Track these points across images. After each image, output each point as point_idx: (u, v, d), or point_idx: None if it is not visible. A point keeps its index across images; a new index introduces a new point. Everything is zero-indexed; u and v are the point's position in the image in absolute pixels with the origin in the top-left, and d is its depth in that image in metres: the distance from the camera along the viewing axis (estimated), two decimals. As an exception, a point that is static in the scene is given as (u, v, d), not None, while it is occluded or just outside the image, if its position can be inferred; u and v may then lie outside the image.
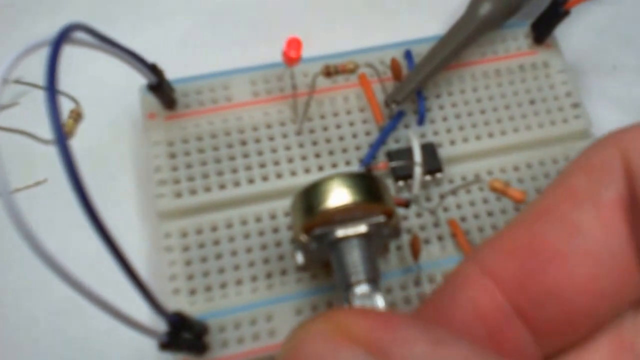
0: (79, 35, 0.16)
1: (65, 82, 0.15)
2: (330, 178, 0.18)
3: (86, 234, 0.20)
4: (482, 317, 0.15)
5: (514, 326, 0.14)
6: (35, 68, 0.15)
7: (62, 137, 0.13)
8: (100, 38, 0.18)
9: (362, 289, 0.18)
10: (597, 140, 0.15)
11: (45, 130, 0.23)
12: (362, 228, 0.18)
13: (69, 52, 0.15)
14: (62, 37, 0.15)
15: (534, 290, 0.14)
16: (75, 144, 0.24)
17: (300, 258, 0.19)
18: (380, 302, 0.17)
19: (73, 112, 0.20)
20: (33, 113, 0.23)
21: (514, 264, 0.15)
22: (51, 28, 0.16)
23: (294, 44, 0.21)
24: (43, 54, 0.15)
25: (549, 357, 0.15)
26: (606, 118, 0.27)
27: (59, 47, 0.15)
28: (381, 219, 0.18)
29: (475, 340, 0.14)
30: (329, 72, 0.22)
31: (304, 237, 0.19)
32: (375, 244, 0.19)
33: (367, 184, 0.18)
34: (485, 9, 0.25)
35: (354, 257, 0.18)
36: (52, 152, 0.22)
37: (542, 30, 0.26)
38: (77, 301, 0.21)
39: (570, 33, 0.28)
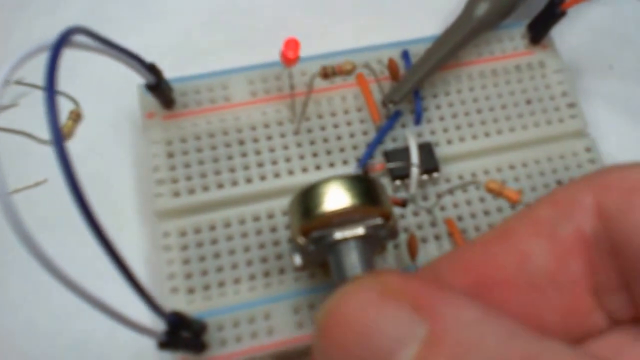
0: (79, 37, 0.16)
1: (64, 82, 0.15)
2: (327, 181, 0.18)
3: (85, 234, 0.21)
4: None
5: None
6: (35, 69, 0.15)
7: (59, 139, 0.14)
8: (99, 40, 0.18)
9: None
10: (572, 180, 0.16)
11: (44, 130, 0.23)
12: (359, 230, 0.18)
13: (68, 53, 0.15)
14: (63, 41, 0.15)
15: None
16: (75, 143, 0.24)
17: (298, 260, 0.19)
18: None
19: (72, 112, 0.20)
20: (32, 114, 0.23)
21: (465, 281, 0.15)
22: (50, 28, 0.16)
23: (292, 44, 0.21)
24: (43, 55, 0.15)
25: None
26: (602, 118, 0.27)
27: (59, 50, 0.15)
28: (378, 221, 0.19)
29: None
30: (326, 74, 0.22)
31: (301, 240, 0.19)
32: (373, 245, 0.19)
33: (364, 187, 0.18)
34: (481, 9, 0.25)
35: (352, 259, 0.18)
36: (51, 153, 0.22)
37: (539, 30, 0.26)
38: (76, 303, 0.21)
39: (567, 33, 0.28)
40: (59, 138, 0.13)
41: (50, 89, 0.14)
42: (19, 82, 0.22)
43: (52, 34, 0.15)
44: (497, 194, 0.20)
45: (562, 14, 0.24)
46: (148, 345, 0.22)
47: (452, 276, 0.15)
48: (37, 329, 0.23)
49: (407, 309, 0.12)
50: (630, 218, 0.13)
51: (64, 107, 0.23)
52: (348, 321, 0.13)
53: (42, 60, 0.15)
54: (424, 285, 0.13)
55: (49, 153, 0.22)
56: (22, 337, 0.22)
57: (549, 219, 0.15)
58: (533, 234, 0.15)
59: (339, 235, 0.18)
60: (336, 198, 0.18)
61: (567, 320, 0.14)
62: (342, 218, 0.18)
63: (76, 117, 0.20)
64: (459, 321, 0.12)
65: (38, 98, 0.24)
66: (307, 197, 0.18)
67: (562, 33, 0.28)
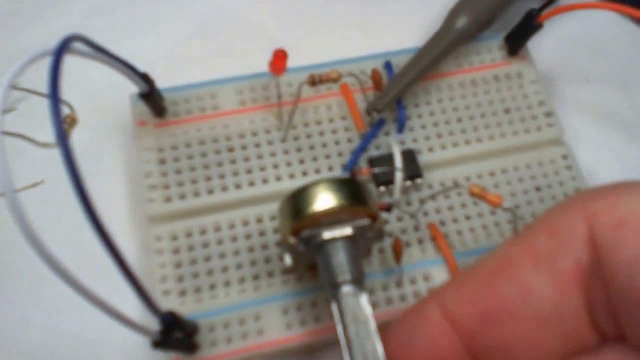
0: (77, 45, 0.17)
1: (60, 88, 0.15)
2: (317, 183, 0.19)
3: (78, 236, 0.21)
4: (440, 356, 0.16)
5: None
6: (31, 75, 0.16)
7: (64, 140, 0.14)
8: (96, 48, 0.18)
9: (347, 288, 0.18)
10: (564, 201, 0.16)
11: (41, 134, 0.23)
12: (347, 230, 0.19)
13: (64, 61, 0.16)
14: (63, 48, 0.16)
15: (487, 341, 0.15)
16: (68, 149, 0.24)
17: (288, 260, 0.20)
18: (365, 301, 0.18)
19: (68, 117, 0.21)
20: (29, 118, 0.23)
21: (471, 313, 0.15)
22: (46, 37, 0.16)
23: (280, 55, 0.22)
24: (40, 62, 0.15)
25: None
26: (578, 126, 0.28)
27: (60, 56, 0.15)
28: (366, 222, 0.19)
29: None
30: (314, 81, 0.23)
31: (292, 239, 0.19)
32: (360, 246, 0.20)
33: (352, 189, 0.19)
34: (461, 22, 0.26)
35: (340, 258, 0.19)
36: (48, 155, 0.23)
37: (516, 42, 0.27)
38: (69, 300, 0.21)
39: (543, 45, 0.29)
40: (64, 139, 0.14)
41: (54, 93, 0.14)
42: (15, 87, 0.23)
43: (47, 43, 0.15)
44: (479, 197, 0.21)
45: (539, 26, 0.25)
46: (138, 344, 0.22)
47: (458, 307, 0.16)
48: (31, 324, 0.23)
49: None
50: (617, 254, 0.14)
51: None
52: None
53: (37, 67, 0.15)
54: None
55: (45, 155, 0.23)
56: (17, 332, 0.23)
57: (547, 250, 0.15)
58: (533, 267, 0.15)
59: (327, 235, 0.19)
60: (325, 198, 0.18)
61: (567, 344, 0.15)
62: (331, 218, 0.19)
63: (71, 121, 0.21)
64: None
65: (34, 103, 0.24)
66: (298, 198, 0.19)
67: (539, 44, 0.29)
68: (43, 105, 0.24)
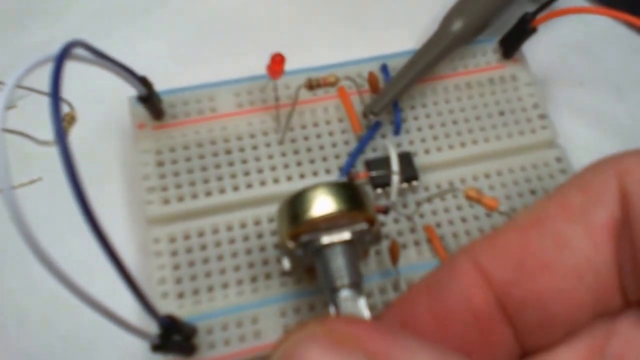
0: (78, 50, 0.17)
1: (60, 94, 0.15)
2: (315, 187, 0.19)
3: (75, 236, 0.21)
4: (472, 309, 0.15)
5: (499, 322, 0.15)
6: (31, 73, 0.16)
7: (62, 138, 0.14)
8: (96, 54, 0.18)
9: (346, 292, 0.18)
10: (596, 161, 0.16)
11: (40, 131, 0.23)
12: (345, 235, 0.19)
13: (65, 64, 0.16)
14: (65, 53, 0.16)
15: (520, 294, 0.15)
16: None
17: (286, 263, 0.20)
18: (363, 305, 0.18)
19: (67, 115, 0.21)
20: (28, 115, 0.23)
21: (505, 266, 0.15)
22: (48, 39, 0.16)
23: (278, 59, 0.22)
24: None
25: (527, 353, 0.16)
26: (572, 129, 0.28)
27: (61, 62, 0.15)
28: (364, 226, 0.19)
29: (465, 329, 0.15)
30: (312, 86, 0.23)
31: (290, 244, 0.19)
32: (358, 249, 0.20)
33: (350, 193, 0.19)
34: (456, 26, 0.26)
35: (338, 263, 0.19)
36: (46, 153, 0.23)
37: (510, 45, 0.27)
38: (67, 299, 0.21)
39: (538, 48, 0.29)
40: (62, 138, 0.14)
41: (55, 96, 0.14)
42: (18, 86, 0.23)
43: (48, 45, 0.16)
44: (476, 201, 0.21)
45: (533, 30, 0.26)
46: (136, 347, 0.22)
47: (491, 260, 0.15)
48: (28, 327, 0.23)
49: (359, 356, 0.12)
50: None
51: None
52: None
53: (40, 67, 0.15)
54: (376, 331, 0.13)
55: (44, 153, 0.23)
56: (14, 330, 0.23)
57: (580, 205, 0.15)
58: (567, 220, 0.15)
59: (326, 239, 0.19)
60: (324, 203, 0.18)
61: (597, 300, 0.15)
62: (329, 223, 0.19)
63: (70, 119, 0.21)
64: None
65: (34, 100, 0.25)
66: (296, 203, 0.19)
67: (533, 48, 0.29)
68: (43, 103, 0.24)
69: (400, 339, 0.13)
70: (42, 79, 0.15)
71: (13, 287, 0.23)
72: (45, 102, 0.22)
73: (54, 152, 0.14)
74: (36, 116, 0.23)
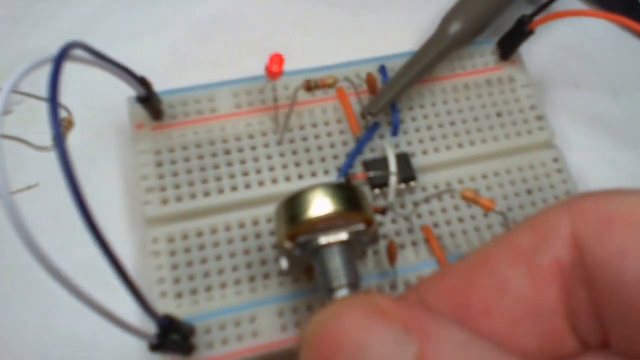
0: (77, 51, 0.17)
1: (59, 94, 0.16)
2: (313, 188, 0.19)
3: (72, 239, 0.21)
4: None
5: None
6: (29, 77, 0.16)
7: (61, 144, 0.14)
8: (95, 54, 0.18)
9: (343, 292, 0.18)
10: (552, 204, 0.16)
11: (36, 136, 0.23)
12: (343, 235, 0.19)
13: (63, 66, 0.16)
14: (63, 55, 0.16)
15: None
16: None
17: (284, 263, 0.20)
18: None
19: (64, 120, 0.21)
20: (25, 120, 0.24)
21: (449, 306, 0.15)
22: (45, 42, 0.16)
23: (277, 59, 0.22)
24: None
25: None
26: (568, 130, 0.28)
27: (60, 63, 0.15)
28: (361, 226, 0.19)
29: None
30: (310, 87, 0.23)
31: (288, 244, 0.19)
32: (355, 250, 0.20)
33: (347, 194, 0.19)
34: (454, 27, 0.26)
35: (336, 263, 0.19)
36: (41, 158, 0.23)
37: (508, 47, 0.27)
38: (64, 303, 0.22)
39: (535, 50, 0.30)
40: (61, 143, 0.14)
41: (53, 99, 0.14)
42: (14, 91, 0.23)
43: (46, 47, 0.16)
44: (472, 201, 0.21)
45: (530, 32, 0.26)
46: (134, 347, 0.22)
47: (435, 299, 0.15)
48: (26, 327, 0.23)
49: (397, 329, 0.12)
50: (601, 251, 0.14)
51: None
52: (339, 340, 0.13)
53: (35, 70, 0.15)
54: (412, 306, 0.13)
55: (41, 158, 0.23)
56: (12, 334, 0.23)
57: (527, 246, 0.15)
58: (512, 262, 0.15)
59: (323, 240, 0.19)
60: (321, 204, 0.18)
61: (543, 345, 0.15)
62: (327, 224, 0.19)
63: (68, 124, 0.21)
64: (447, 342, 0.13)
65: (30, 105, 0.25)
66: (294, 203, 0.19)
67: (531, 50, 0.29)
68: (39, 108, 0.24)
69: (436, 319, 0.13)
70: (38, 84, 0.15)
71: (11, 295, 0.23)
72: (40, 108, 0.23)
73: (49, 157, 0.14)
74: (32, 121, 0.23)
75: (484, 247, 0.16)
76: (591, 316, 0.14)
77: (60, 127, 0.14)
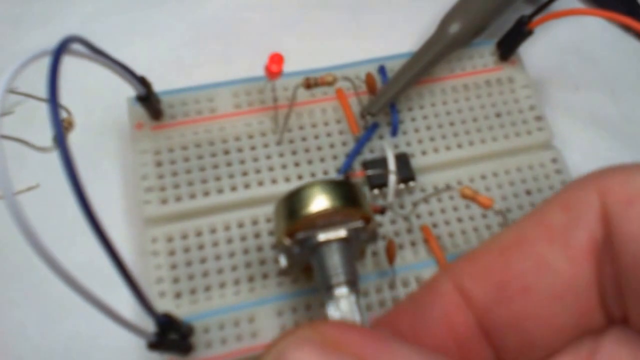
0: (76, 46, 0.17)
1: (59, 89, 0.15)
2: (311, 184, 0.19)
3: (70, 240, 0.21)
4: (453, 332, 0.15)
5: (479, 343, 0.15)
6: (29, 78, 0.16)
7: (64, 145, 0.14)
8: (94, 50, 0.18)
9: (341, 290, 0.18)
10: (578, 178, 0.16)
11: (36, 137, 0.23)
12: (342, 232, 0.19)
13: (62, 63, 0.16)
14: (62, 48, 0.16)
15: (500, 317, 0.15)
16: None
17: (283, 261, 0.20)
18: (358, 302, 0.18)
19: (64, 121, 0.21)
20: (25, 121, 0.24)
21: (485, 288, 0.15)
22: (45, 40, 0.16)
23: (276, 59, 0.22)
24: (37, 65, 0.16)
25: None
26: (567, 131, 0.28)
27: (59, 57, 0.15)
28: (359, 224, 0.19)
29: (446, 351, 0.15)
30: (309, 84, 0.23)
31: (287, 241, 0.19)
32: (354, 248, 0.20)
33: (346, 191, 0.19)
34: (454, 28, 0.26)
35: (334, 260, 0.19)
36: (42, 159, 0.23)
37: (507, 48, 0.27)
38: (64, 303, 0.22)
39: (534, 51, 0.30)
40: (63, 144, 0.14)
41: (53, 93, 0.14)
42: (12, 91, 0.23)
43: (47, 47, 0.16)
44: (470, 199, 0.22)
45: (530, 32, 0.26)
46: (132, 346, 0.22)
47: (472, 282, 0.15)
48: (25, 326, 0.23)
49: None
50: (628, 227, 0.14)
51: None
52: None
53: (35, 71, 0.15)
54: (366, 336, 0.13)
55: (41, 159, 0.23)
56: (11, 334, 0.23)
57: (561, 225, 0.15)
58: (548, 241, 0.15)
59: (322, 237, 0.19)
60: (320, 200, 0.18)
61: (579, 322, 0.15)
62: (325, 220, 0.19)
63: (68, 125, 0.21)
64: None
65: (30, 107, 0.25)
66: (293, 200, 0.19)
67: (530, 50, 0.29)
68: (39, 109, 0.24)
69: (391, 344, 0.13)
70: (39, 85, 0.15)
71: (11, 294, 0.23)
72: (39, 109, 0.22)
73: (50, 158, 0.14)
74: (32, 122, 0.23)
75: (516, 226, 0.16)
76: (616, 292, 0.14)
77: (61, 124, 0.14)
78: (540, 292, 0.15)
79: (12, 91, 0.23)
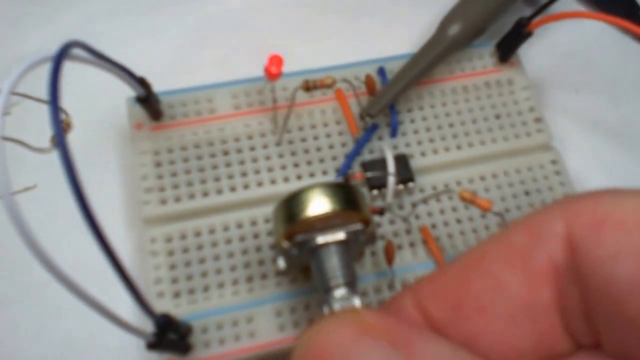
0: (77, 51, 0.17)
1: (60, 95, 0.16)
2: (311, 187, 0.19)
3: (67, 240, 0.21)
4: None
5: None
6: (27, 78, 0.16)
7: (64, 147, 0.14)
8: (94, 54, 0.18)
9: (340, 292, 0.18)
10: (546, 205, 0.16)
11: (33, 138, 0.24)
12: (340, 235, 0.19)
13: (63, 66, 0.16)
14: (63, 54, 0.16)
15: (457, 336, 0.15)
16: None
17: (282, 263, 0.20)
18: (357, 304, 0.18)
19: (62, 122, 0.21)
20: (22, 122, 0.24)
21: (443, 306, 0.15)
22: (43, 43, 0.16)
23: (276, 60, 0.22)
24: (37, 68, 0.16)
25: None
26: (567, 133, 0.28)
27: (59, 62, 0.15)
28: (358, 226, 0.19)
29: None
30: (308, 87, 0.23)
31: (285, 244, 0.19)
32: (353, 250, 0.20)
33: (345, 194, 0.19)
34: (453, 30, 0.26)
35: (333, 263, 0.19)
36: (39, 160, 0.23)
37: (507, 49, 0.27)
38: (61, 303, 0.22)
39: (534, 52, 0.30)
40: (64, 146, 0.14)
41: (54, 100, 0.15)
42: (12, 92, 0.23)
43: (45, 49, 0.16)
44: (469, 202, 0.22)
45: (529, 34, 0.26)
46: (131, 346, 0.22)
47: (430, 299, 0.16)
48: (22, 328, 0.23)
49: (384, 345, 0.13)
50: (594, 253, 0.14)
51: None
52: (326, 357, 0.13)
53: (34, 72, 0.15)
54: (398, 321, 0.13)
55: (38, 160, 0.23)
56: (9, 335, 0.23)
57: (522, 246, 0.15)
58: (507, 262, 0.15)
59: (321, 239, 0.19)
60: (319, 203, 0.19)
61: (537, 345, 0.15)
62: (324, 223, 0.19)
63: (66, 126, 0.21)
64: (433, 357, 0.13)
65: (26, 108, 0.25)
66: (292, 203, 0.19)
67: (530, 52, 0.29)
68: (36, 110, 0.24)
69: (423, 333, 0.14)
70: (36, 86, 0.15)
71: (8, 296, 0.23)
72: (37, 110, 0.23)
73: (47, 159, 0.14)
74: (29, 123, 0.23)
75: (478, 247, 0.16)
76: (583, 316, 0.14)
77: (61, 126, 0.14)
78: (496, 313, 0.15)
79: (13, 93, 0.23)
